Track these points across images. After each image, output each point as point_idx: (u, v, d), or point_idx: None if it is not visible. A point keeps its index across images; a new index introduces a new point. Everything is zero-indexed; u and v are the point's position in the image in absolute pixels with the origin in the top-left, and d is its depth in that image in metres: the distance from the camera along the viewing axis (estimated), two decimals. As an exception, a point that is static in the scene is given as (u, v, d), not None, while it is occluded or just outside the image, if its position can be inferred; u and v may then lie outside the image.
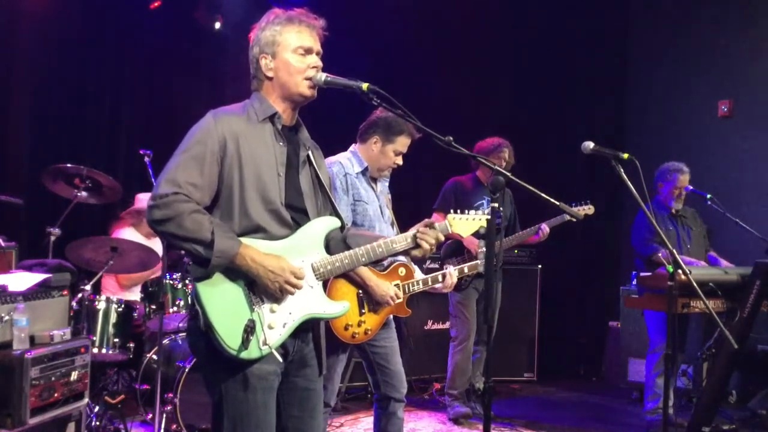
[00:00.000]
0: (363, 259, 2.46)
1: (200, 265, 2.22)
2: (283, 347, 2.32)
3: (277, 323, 2.28)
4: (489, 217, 2.42)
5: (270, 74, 2.41)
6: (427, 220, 2.58)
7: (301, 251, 2.36)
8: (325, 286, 2.44)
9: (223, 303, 2.23)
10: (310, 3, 3.04)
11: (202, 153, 2.27)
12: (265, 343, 2.23)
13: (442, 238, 2.56)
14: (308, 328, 2.43)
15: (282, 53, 2.38)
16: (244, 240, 2.26)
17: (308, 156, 2.50)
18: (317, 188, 2.52)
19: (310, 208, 2.44)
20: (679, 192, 5.17)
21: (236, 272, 2.24)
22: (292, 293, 2.29)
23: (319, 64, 2.41)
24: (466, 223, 2.72)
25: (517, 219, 5.40)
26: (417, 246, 2.51)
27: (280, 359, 2.29)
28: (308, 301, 2.35)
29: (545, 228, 5.12)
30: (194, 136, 2.31)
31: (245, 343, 2.19)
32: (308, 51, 2.39)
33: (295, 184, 2.42)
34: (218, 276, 2.24)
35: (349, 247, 2.47)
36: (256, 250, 2.25)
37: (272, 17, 2.43)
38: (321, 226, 2.44)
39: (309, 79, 2.38)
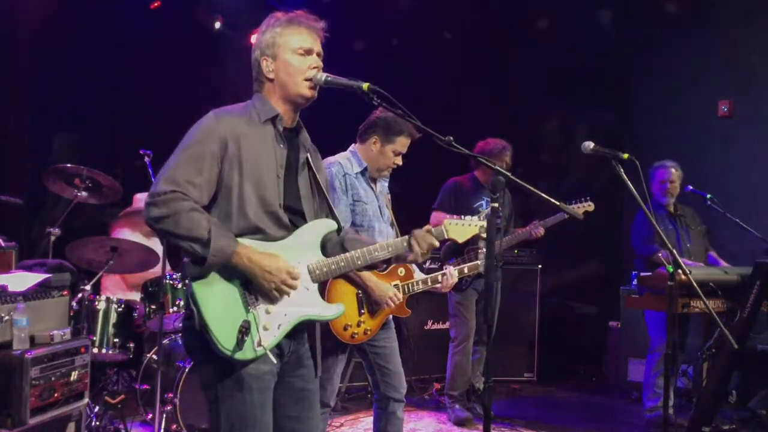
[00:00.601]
0: (359, 262, 2.46)
1: (196, 264, 2.21)
2: (278, 348, 2.32)
3: (272, 324, 2.27)
4: (485, 223, 2.43)
5: (271, 76, 2.40)
6: (426, 226, 2.60)
7: (297, 253, 2.36)
8: (324, 286, 2.44)
9: (218, 303, 2.22)
10: (309, 4, 3.04)
11: (203, 152, 2.26)
12: (259, 344, 2.23)
13: (437, 245, 2.58)
14: (303, 329, 2.43)
15: (282, 54, 2.38)
16: (241, 240, 2.25)
17: (307, 158, 2.50)
18: (315, 191, 2.52)
19: (307, 210, 2.44)
20: (665, 184, 5.17)
21: (232, 272, 2.24)
22: (287, 293, 2.29)
23: (320, 64, 2.41)
24: (462, 229, 2.73)
25: (512, 220, 5.40)
26: (411, 250, 2.52)
27: (275, 360, 2.29)
28: (303, 303, 2.35)
29: (540, 229, 5.11)
30: (195, 134, 2.30)
31: (240, 344, 2.18)
32: (308, 52, 2.39)
33: (294, 187, 2.42)
34: (214, 275, 2.23)
35: (346, 250, 2.46)
36: (254, 249, 2.25)
37: (273, 21, 2.43)
38: (318, 228, 2.44)
39: (309, 79, 2.37)
